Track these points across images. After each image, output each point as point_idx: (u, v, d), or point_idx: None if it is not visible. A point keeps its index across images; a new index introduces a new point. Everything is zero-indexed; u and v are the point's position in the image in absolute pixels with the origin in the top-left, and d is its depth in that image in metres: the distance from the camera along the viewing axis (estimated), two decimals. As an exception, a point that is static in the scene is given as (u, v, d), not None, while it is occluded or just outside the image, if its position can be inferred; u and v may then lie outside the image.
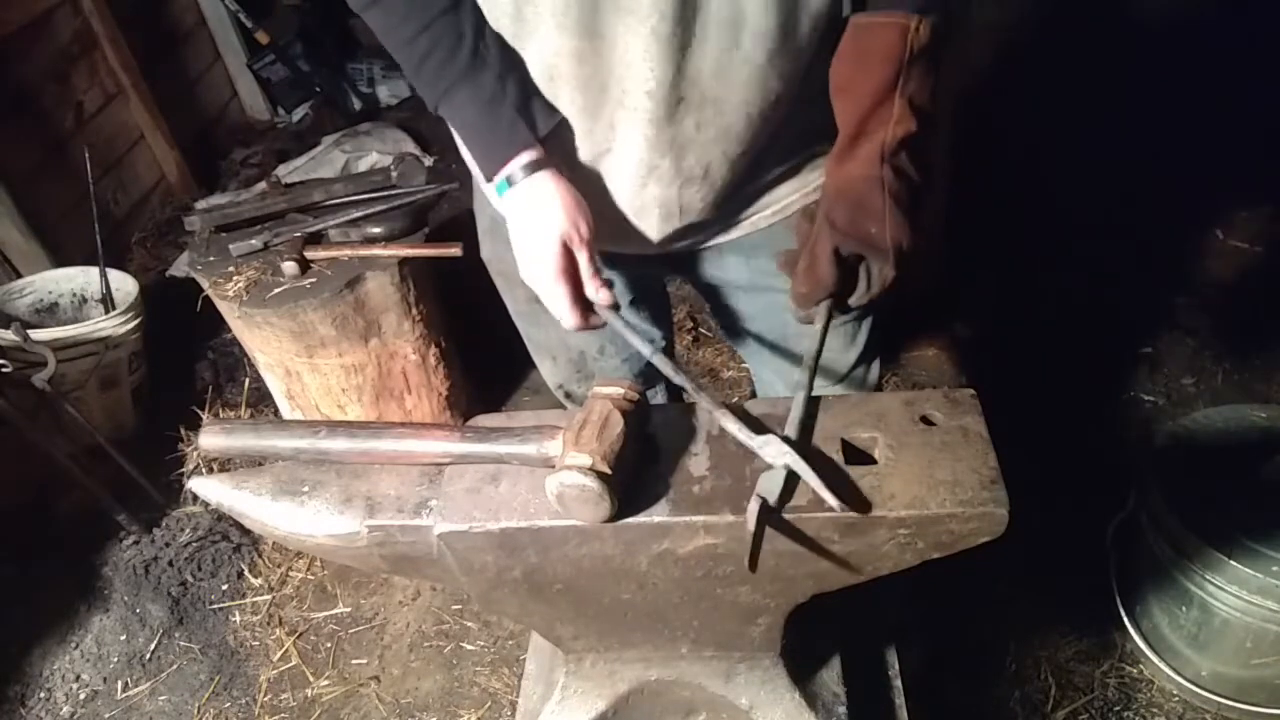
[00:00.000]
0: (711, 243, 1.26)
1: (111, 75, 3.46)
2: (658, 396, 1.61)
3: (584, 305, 1.06)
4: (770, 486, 0.86)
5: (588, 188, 1.07)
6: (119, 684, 2.11)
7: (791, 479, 0.88)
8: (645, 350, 1.03)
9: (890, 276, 1.02)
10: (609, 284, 1.05)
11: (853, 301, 1.07)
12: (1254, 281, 2.81)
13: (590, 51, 0.98)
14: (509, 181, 1.02)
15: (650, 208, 1.14)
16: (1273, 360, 2.54)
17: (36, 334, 2.33)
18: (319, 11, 4.53)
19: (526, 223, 1.03)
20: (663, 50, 0.96)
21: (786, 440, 0.88)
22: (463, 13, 0.99)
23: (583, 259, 1.03)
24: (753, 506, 0.83)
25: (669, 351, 1.55)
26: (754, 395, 1.88)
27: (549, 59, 1.01)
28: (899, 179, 0.99)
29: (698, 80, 1.00)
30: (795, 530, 0.88)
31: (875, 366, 1.46)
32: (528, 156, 1.01)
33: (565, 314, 1.05)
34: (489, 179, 1.04)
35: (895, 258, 1.01)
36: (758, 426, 0.93)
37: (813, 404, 0.99)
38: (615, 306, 1.06)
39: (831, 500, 0.82)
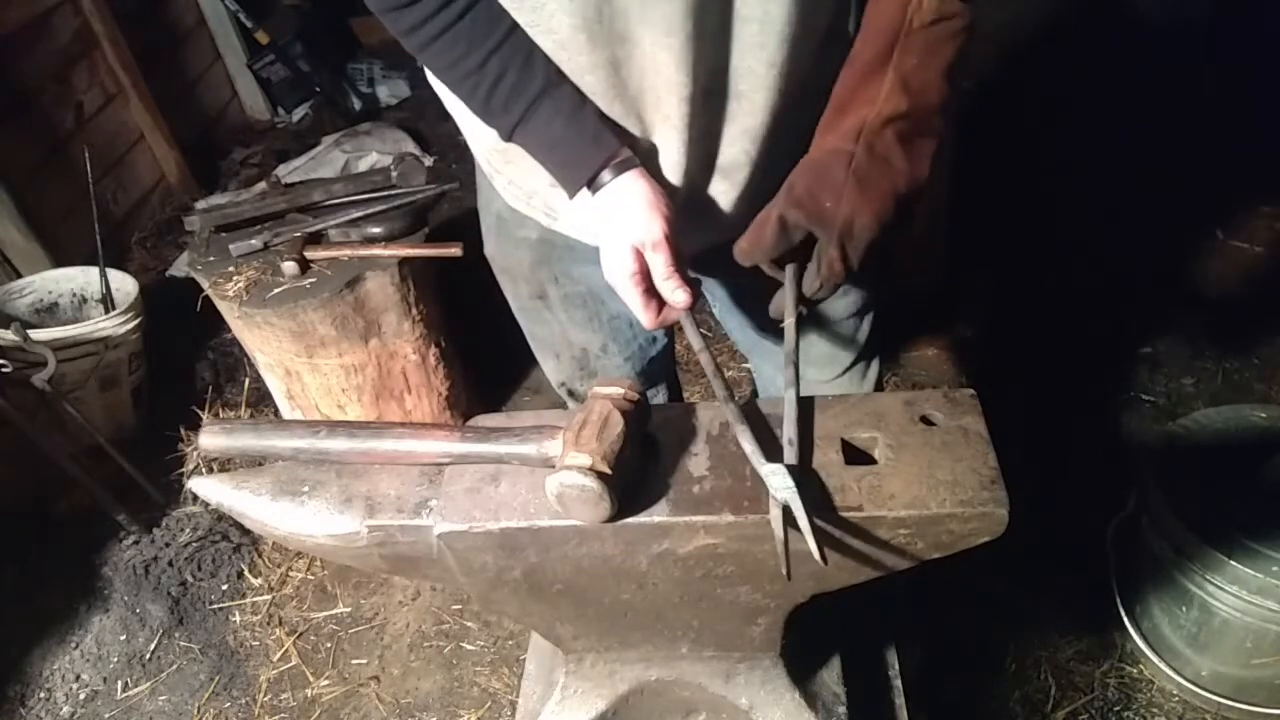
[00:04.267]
0: (724, 240, 1.26)
1: (111, 75, 3.46)
2: (658, 396, 1.61)
3: (656, 305, 1.04)
4: (786, 491, 0.84)
5: None
6: (119, 684, 2.11)
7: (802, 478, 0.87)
8: (707, 363, 1.01)
9: (835, 261, 0.93)
10: (694, 283, 1.03)
11: (806, 291, 1.01)
12: (1254, 281, 2.81)
13: (624, 57, 0.96)
14: (597, 185, 1.01)
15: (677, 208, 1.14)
16: (1273, 360, 2.54)
17: (36, 334, 2.33)
18: (319, 11, 4.53)
19: (606, 228, 1.02)
20: (698, 54, 0.95)
21: (791, 470, 0.86)
22: (521, 33, 0.97)
23: (656, 262, 1.01)
24: (775, 516, 0.83)
25: (669, 351, 1.55)
26: (755, 395, 1.88)
27: (576, 77, 0.99)
28: (873, 159, 0.91)
29: (729, 81, 0.99)
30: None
31: (875, 365, 1.46)
32: (616, 158, 1.00)
33: (638, 315, 1.04)
34: (577, 188, 1.02)
35: (840, 240, 0.92)
36: (770, 447, 0.91)
37: (806, 403, 0.99)
38: (691, 307, 1.04)
39: (815, 553, 0.81)
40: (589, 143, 0.99)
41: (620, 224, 1.00)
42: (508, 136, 1.01)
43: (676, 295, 1.02)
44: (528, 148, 1.03)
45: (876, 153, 0.92)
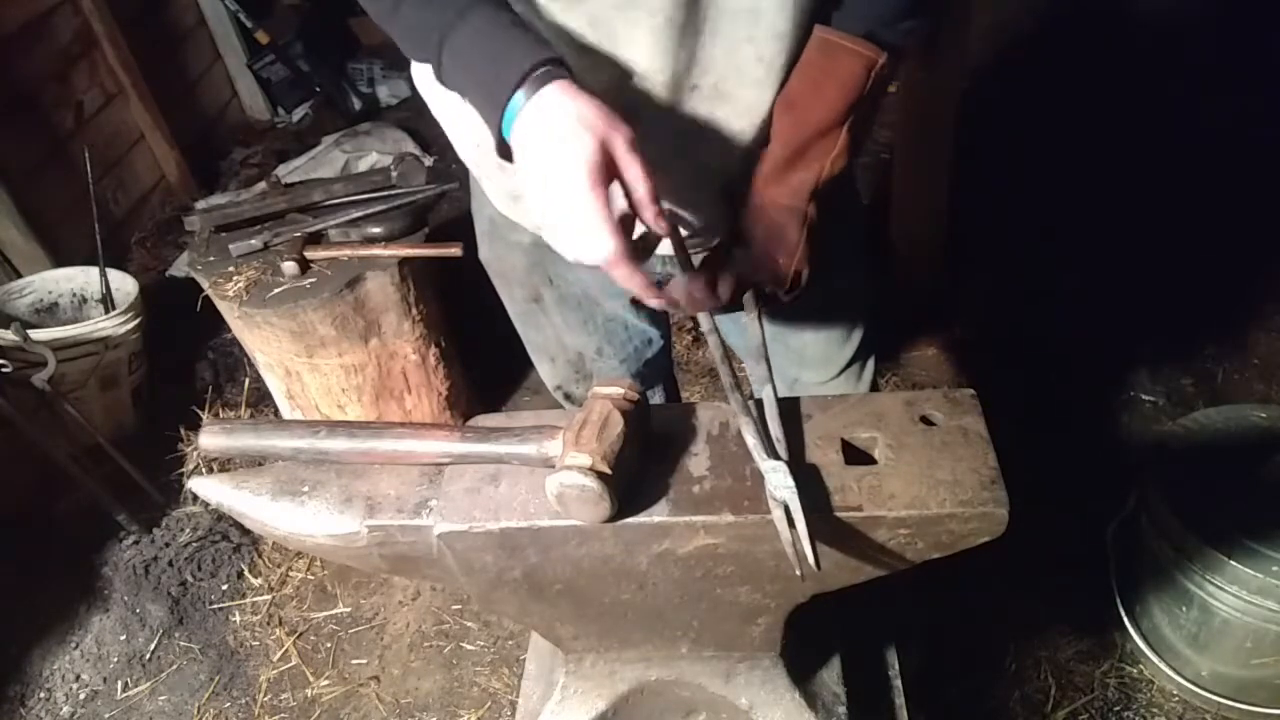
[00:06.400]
0: (714, 242, 1.25)
1: (111, 75, 3.46)
2: (656, 397, 1.60)
3: (626, 233, 0.85)
4: (785, 491, 0.84)
5: None
6: (119, 684, 2.11)
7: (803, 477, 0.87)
8: (714, 345, 1.03)
9: (789, 301, 1.03)
10: (667, 213, 0.87)
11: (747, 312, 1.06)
12: (1254, 281, 2.81)
13: (597, 46, 0.95)
14: (517, 105, 0.80)
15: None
16: (1273, 360, 2.54)
17: (36, 334, 2.33)
18: (319, 11, 4.53)
19: (546, 130, 0.79)
20: (674, 42, 0.93)
21: (790, 468, 0.86)
22: None
23: (633, 167, 0.81)
24: (778, 515, 0.83)
25: (668, 351, 1.55)
26: (753, 396, 1.88)
27: None
28: (818, 215, 0.98)
29: (709, 72, 0.97)
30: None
31: (870, 364, 1.46)
32: (540, 69, 0.80)
33: (602, 239, 0.80)
34: (499, 110, 0.82)
35: (791, 287, 1.01)
36: (769, 446, 0.91)
37: (807, 403, 0.99)
38: (675, 232, 0.94)
39: (810, 559, 0.81)
40: (503, 54, 0.81)
41: (572, 118, 0.79)
42: (436, 65, 0.87)
43: (661, 224, 0.86)
44: (457, 81, 0.87)
45: (820, 205, 0.99)
